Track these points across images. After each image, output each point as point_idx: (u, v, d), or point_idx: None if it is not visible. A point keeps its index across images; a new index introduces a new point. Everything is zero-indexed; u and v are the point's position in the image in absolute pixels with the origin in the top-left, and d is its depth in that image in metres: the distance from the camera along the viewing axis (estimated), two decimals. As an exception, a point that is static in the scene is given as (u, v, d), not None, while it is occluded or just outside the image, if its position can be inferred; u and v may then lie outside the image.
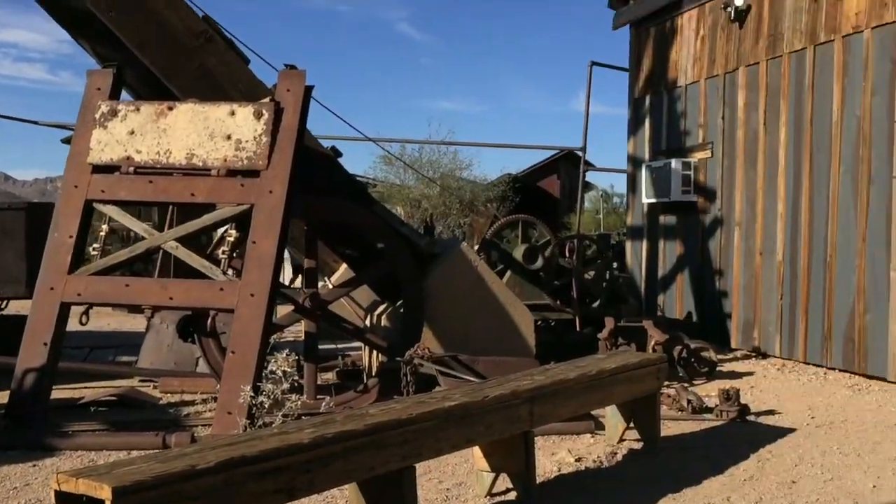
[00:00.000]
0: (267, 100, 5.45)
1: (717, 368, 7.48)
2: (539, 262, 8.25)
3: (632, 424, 4.99)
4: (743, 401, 5.84)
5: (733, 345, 8.98)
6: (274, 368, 4.86)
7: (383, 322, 6.97)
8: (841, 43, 7.65)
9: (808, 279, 7.99)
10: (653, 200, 10.21)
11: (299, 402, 4.89)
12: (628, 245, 11.28)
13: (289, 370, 4.88)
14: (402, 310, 6.45)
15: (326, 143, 6.65)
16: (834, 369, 7.59)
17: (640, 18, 10.83)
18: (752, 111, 8.84)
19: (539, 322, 8.02)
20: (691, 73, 9.88)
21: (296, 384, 5.16)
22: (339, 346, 8.16)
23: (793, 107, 8.26)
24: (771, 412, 6.02)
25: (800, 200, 8.13)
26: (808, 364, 7.89)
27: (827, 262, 7.76)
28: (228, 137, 5.30)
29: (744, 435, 5.30)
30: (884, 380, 7.02)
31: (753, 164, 8.81)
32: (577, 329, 8.19)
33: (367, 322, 7.42)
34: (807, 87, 8.06)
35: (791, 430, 5.44)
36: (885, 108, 7.16)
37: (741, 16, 8.91)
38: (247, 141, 5.29)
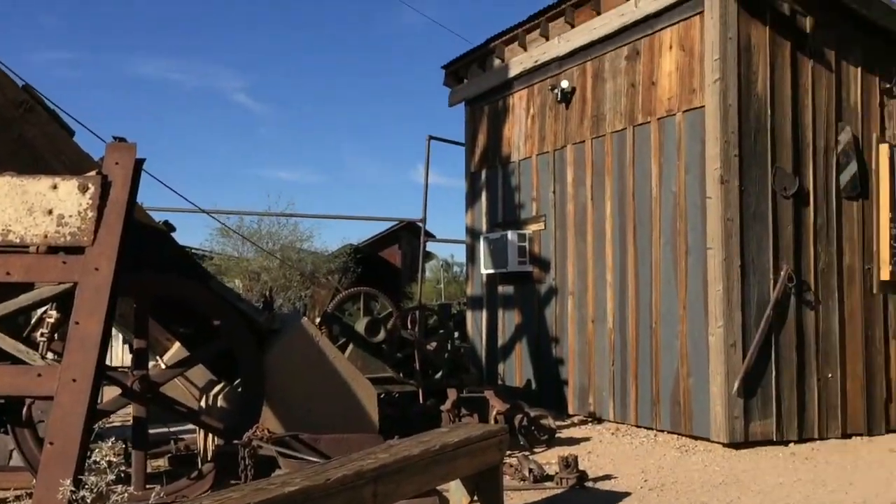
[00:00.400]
0: (94, 173, 5.20)
1: (556, 435, 7.67)
2: (381, 335, 8.23)
3: (475, 497, 4.99)
4: (581, 467, 5.99)
5: (570, 411, 9.25)
6: (98, 458, 4.52)
7: (220, 402, 6.68)
8: (656, 125, 8.27)
9: (637, 345, 8.40)
10: (491, 271, 10.48)
11: (126, 495, 4.55)
12: (469, 315, 11.48)
13: (115, 459, 4.55)
14: (239, 389, 6.21)
15: (162, 216, 6.42)
16: (663, 431, 7.96)
17: (474, 97, 11.28)
18: (580, 186, 9.33)
19: (382, 395, 7.96)
20: (524, 150, 10.34)
21: (122, 474, 4.82)
22: (172, 429, 7.74)
23: (616, 182, 8.80)
24: (608, 477, 6.21)
25: (626, 270, 8.60)
26: (640, 427, 8.24)
27: (653, 328, 8.21)
28: (50, 212, 4.99)
29: (583, 502, 5.44)
30: (707, 440, 7.43)
31: (583, 236, 9.26)
32: (421, 401, 8.19)
33: (203, 403, 7.08)
34: (628, 164, 8.62)
35: (626, 494, 5.63)
36: (697, 184, 7.75)
37: (567, 97, 9.46)
38: (70, 216, 4.99)
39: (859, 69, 8.14)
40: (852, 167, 7.97)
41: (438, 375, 8.54)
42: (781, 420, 7.48)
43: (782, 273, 7.57)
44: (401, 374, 8.35)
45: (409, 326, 9.00)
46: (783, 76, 7.76)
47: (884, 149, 8.08)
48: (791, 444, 7.37)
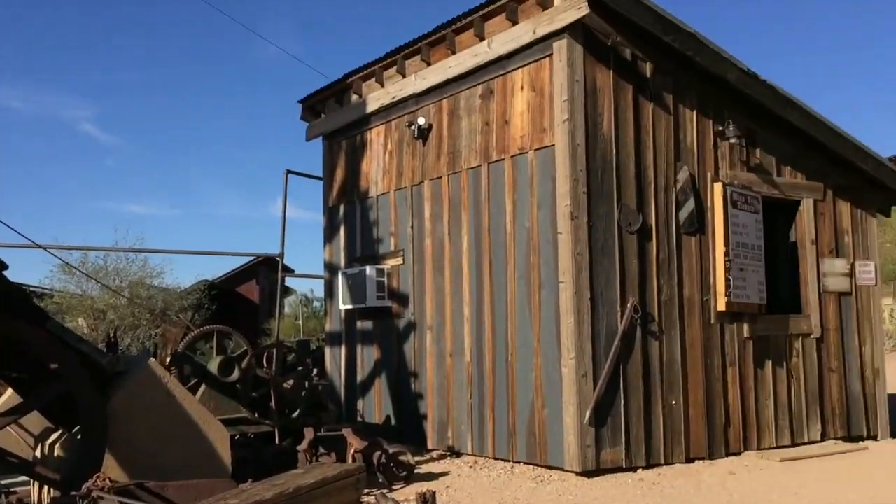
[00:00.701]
0: (-88, 206, 4.80)
1: (416, 471, 7.64)
2: (235, 374, 7.97)
3: (332, 540, 4.88)
4: (439, 502, 5.98)
5: (430, 445, 9.25)
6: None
7: (57, 451, 6.25)
8: (510, 162, 8.50)
9: (494, 378, 8.53)
10: (350, 306, 10.40)
11: (-55, 559, 4.16)
12: (327, 351, 11.32)
13: (-68, 520, 4.16)
14: (79, 436, 5.83)
15: (-7, 254, 5.97)
16: (520, 462, 8.09)
17: (332, 131, 11.24)
18: (438, 221, 9.44)
19: (237, 437, 7.70)
20: (382, 185, 10.38)
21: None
22: (3, 482, 7.16)
23: (473, 218, 8.96)
24: (465, 511, 6.22)
25: (483, 304, 8.74)
26: (498, 459, 8.33)
27: (509, 361, 8.36)
28: None
29: (441, 538, 5.41)
30: (562, 469, 7.60)
31: (441, 271, 9.35)
32: (277, 441, 7.97)
33: (38, 452, 6.61)
34: (483, 200, 8.80)
35: (483, 528, 5.65)
36: (549, 220, 8.00)
37: (424, 134, 9.59)
38: None
39: (695, 112, 8.69)
40: (690, 204, 8.47)
41: (296, 414, 8.34)
42: (630, 447, 7.76)
43: (629, 305, 7.90)
44: (256, 414, 8.10)
45: (266, 364, 8.77)
46: (627, 118, 8.18)
47: (718, 187, 8.64)
48: (639, 471, 7.65)
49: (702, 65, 8.54)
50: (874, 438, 9.62)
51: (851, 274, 9.77)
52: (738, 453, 8.48)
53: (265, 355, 8.94)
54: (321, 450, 7.61)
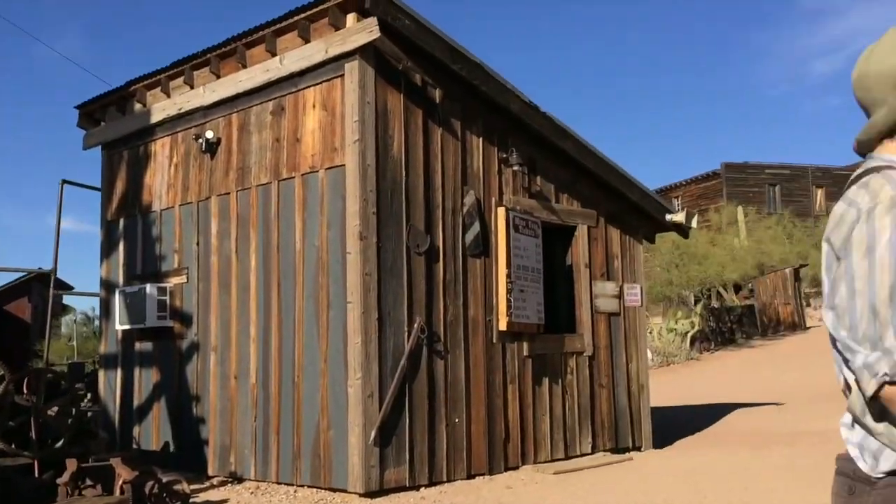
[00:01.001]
0: None
1: (192, 500, 7.29)
2: (-11, 402, 7.25)
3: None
4: (214, 532, 5.74)
5: (211, 472, 8.87)
6: None
7: None
8: (301, 180, 8.39)
9: (280, 400, 8.34)
10: (127, 326, 9.80)
11: None
12: (102, 374, 10.59)
13: None
14: None
15: None
16: (304, 486, 7.94)
17: (112, 141, 10.60)
18: (225, 238, 9.14)
19: (-10, 471, 7.01)
20: (166, 199, 9.90)
21: None
22: None
23: (262, 235, 8.75)
24: (242, 539, 6.01)
25: (270, 324, 8.54)
26: (282, 484, 8.13)
27: (295, 382, 8.21)
28: None
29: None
30: (345, 491, 7.54)
31: (227, 290, 9.05)
32: (36, 474, 7.32)
33: None
34: (273, 217, 8.63)
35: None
36: (339, 240, 7.97)
37: (212, 148, 9.27)
38: None
39: (481, 139, 9.02)
40: (476, 227, 8.75)
41: (59, 444, 7.72)
42: (414, 466, 7.85)
43: (416, 325, 8.02)
44: (13, 445, 7.41)
45: (27, 390, 8.05)
46: (416, 141, 8.34)
47: (501, 211, 9.00)
48: (422, 489, 7.75)
49: (488, 94, 8.88)
50: (639, 449, 10.36)
51: (620, 296, 10.51)
52: (516, 467, 8.81)
53: (27, 380, 8.22)
54: (87, 482, 7.07)
